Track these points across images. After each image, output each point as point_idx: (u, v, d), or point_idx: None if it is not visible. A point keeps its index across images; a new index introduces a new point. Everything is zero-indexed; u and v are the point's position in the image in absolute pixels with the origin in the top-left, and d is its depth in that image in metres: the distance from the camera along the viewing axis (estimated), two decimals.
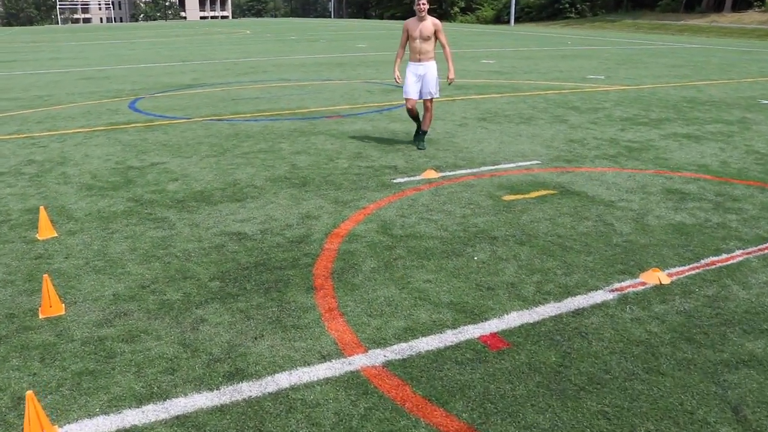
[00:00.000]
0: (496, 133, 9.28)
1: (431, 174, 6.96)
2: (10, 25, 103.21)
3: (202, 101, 12.65)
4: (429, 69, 7.75)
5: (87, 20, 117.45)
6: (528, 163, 7.56)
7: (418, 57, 7.71)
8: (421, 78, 7.81)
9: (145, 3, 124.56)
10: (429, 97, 7.92)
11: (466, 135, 9.12)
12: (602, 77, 16.34)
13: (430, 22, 7.61)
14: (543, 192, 6.40)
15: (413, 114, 8.14)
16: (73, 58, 24.68)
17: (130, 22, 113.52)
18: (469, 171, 7.19)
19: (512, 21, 58.09)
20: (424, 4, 7.53)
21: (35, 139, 9.30)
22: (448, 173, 7.08)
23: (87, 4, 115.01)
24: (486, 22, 64.85)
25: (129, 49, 29.17)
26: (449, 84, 8.04)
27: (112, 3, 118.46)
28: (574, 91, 13.64)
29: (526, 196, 6.29)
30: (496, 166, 7.38)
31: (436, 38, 7.67)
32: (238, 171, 7.28)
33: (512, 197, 6.23)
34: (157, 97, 13.37)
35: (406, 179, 6.85)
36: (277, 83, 15.59)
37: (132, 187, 6.73)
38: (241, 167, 7.45)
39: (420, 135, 8.30)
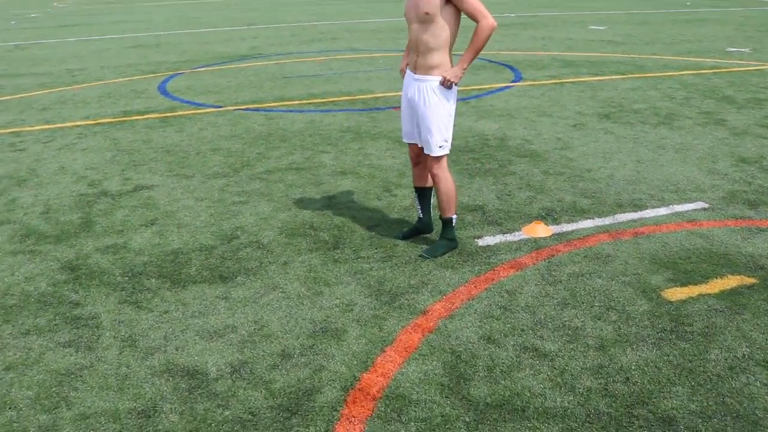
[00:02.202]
0: (627, 142, 6.51)
1: (539, 230, 4.38)
2: None
3: (247, 79, 10.36)
4: (423, 95, 3.82)
5: None
6: (689, 207, 4.84)
7: (414, 60, 3.87)
8: (413, 108, 3.94)
9: None
10: (427, 152, 3.97)
11: (586, 145, 6.41)
12: (747, 50, 12.98)
13: None
14: (731, 280, 3.74)
15: (416, 170, 4.25)
16: (137, 21, 22.99)
17: None
18: (598, 222, 4.56)
19: None
20: None
21: (20, 136, 7.27)
22: (565, 227, 4.48)
23: None
24: None
25: (198, 11, 27.30)
26: (444, 85, 3.77)
27: None
28: (718, 72, 10.51)
29: (704, 289, 3.65)
30: (639, 213, 4.71)
31: (454, 15, 3.69)
32: (246, 209, 4.92)
33: (680, 292, 3.61)
34: (198, 73, 11.19)
35: (498, 239, 4.30)
36: (343, 54, 13.12)
37: (84, 238, 4.50)
38: (252, 201, 5.08)
39: (423, 221, 4.33)
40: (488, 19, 3.58)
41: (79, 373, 2.99)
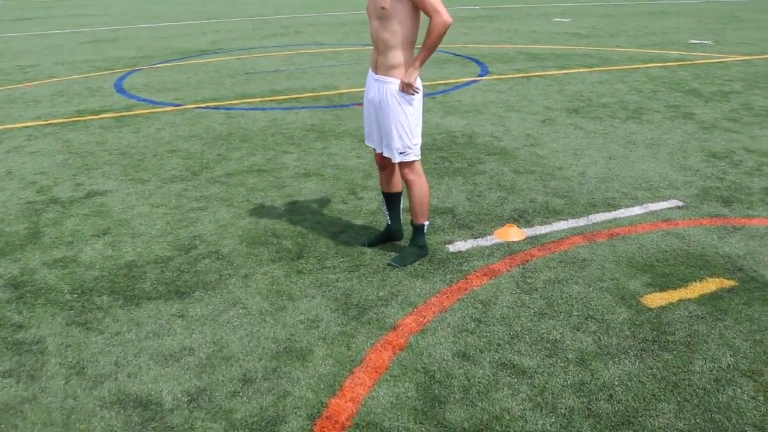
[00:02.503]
0: (597, 138, 6.40)
1: (512, 233, 4.22)
2: None
3: (207, 76, 10.04)
4: (383, 97, 3.60)
5: None
6: (663, 205, 4.73)
7: (374, 59, 3.65)
8: (375, 109, 3.71)
9: None
10: (393, 160, 3.73)
11: (556, 142, 6.28)
12: (709, 42, 13.05)
13: None
14: (710, 283, 3.62)
15: (383, 175, 3.98)
16: (94, 15, 22.34)
17: None
18: (572, 224, 4.41)
19: None
20: None
21: None
22: (539, 229, 4.33)
23: None
24: None
25: (157, 4, 26.65)
26: (402, 91, 3.55)
27: None
28: (683, 64, 10.51)
29: (684, 294, 3.52)
30: (614, 213, 4.58)
31: (412, 11, 3.45)
32: (204, 216, 4.67)
33: (660, 298, 3.47)
34: (157, 69, 10.82)
35: (470, 244, 4.13)
36: (307, 49, 12.85)
37: (31, 250, 4.21)
38: (211, 207, 4.83)
39: (392, 228, 4.10)
40: (442, 16, 3.34)
41: (19, 408, 2.74)
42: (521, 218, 4.50)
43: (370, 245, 4.11)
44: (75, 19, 20.83)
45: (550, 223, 4.42)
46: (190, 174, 5.56)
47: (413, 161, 3.72)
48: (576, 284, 3.62)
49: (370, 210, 4.70)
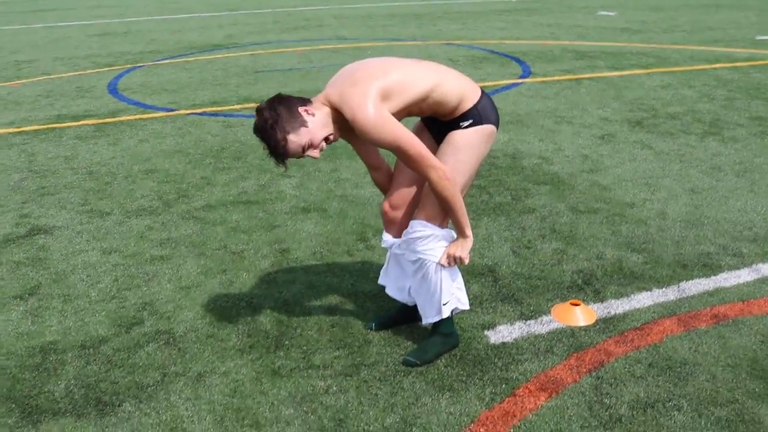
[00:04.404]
0: (672, 161, 5.14)
1: (579, 315, 3.01)
2: None
3: (212, 75, 8.96)
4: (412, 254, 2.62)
5: None
6: None
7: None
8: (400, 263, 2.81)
9: None
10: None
11: (621, 166, 5.04)
12: None
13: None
14: None
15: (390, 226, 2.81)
16: (113, 7, 21.50)
17: None
18: (659, 297, 3.19)
19: None
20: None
21: None
22: (613, 305, 3.12)
23: None
24: None
25: None
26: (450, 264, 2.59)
27: None
28: (756, 64, 9.12)
29: None
30: (714, 280, 3.35)
31: None
32: (165, 270, 3.55)
33: None
34: (159, 66, 9.78)
35: (519, 329, 2.94)
36: (328, 44, 11.71)
37: None
38: (176, 256, 3.71)
39: (408, 306, 2.92)
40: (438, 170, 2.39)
41: None
42: (588, 286, 3.30)
43: (379, 328, 2.95)
44: (92, 11, 20.01)
45: (628, 295, 3.21)
46: (161, 205, 4.45)
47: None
48: (678, 410, 2.42)
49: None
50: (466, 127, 2.48)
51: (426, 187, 2.53)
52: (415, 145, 2.32)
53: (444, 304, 2.64)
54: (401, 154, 2.34)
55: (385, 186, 2.78)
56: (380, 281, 2.94)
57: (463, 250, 2.52)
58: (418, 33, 13.01)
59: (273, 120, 2.31)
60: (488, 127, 2.52)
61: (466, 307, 2.72)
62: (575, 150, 5.43)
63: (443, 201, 2.43)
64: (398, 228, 2.72)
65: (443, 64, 2.65)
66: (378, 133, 2.27)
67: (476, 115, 2.48)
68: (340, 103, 2.33)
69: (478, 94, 2.51)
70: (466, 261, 2.52)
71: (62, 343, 2.93)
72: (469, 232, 2.52)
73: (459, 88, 2.47)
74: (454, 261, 2.54)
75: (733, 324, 2.97)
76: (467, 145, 2.48)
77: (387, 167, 2.79)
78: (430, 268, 2.57)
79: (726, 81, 8.02)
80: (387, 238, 2.75)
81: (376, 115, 2.27)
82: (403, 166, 2.62)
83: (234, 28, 14.46)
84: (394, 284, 2.85)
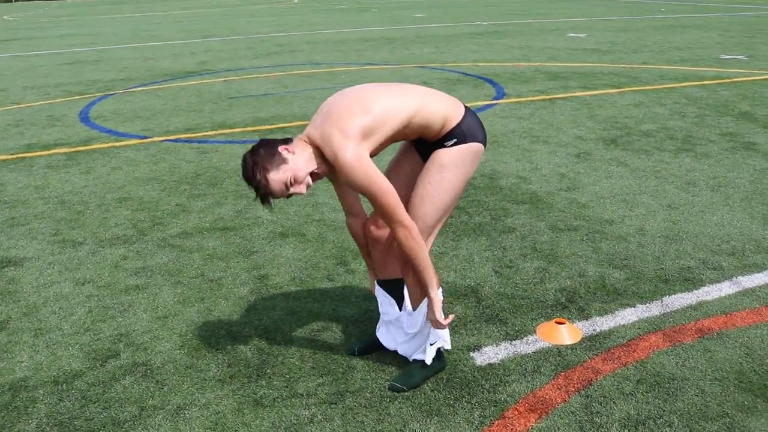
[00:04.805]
0: (648, 177, 5.18)
1: (564, 333, 2.98)
2: None
3: (185, 101, 8.88)
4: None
5: None
6: (759, 279, 3.50)
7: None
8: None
9: None
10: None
11: (598, 184, 5.06)
12: (743, 57, 11.85)
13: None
14: None
15: (376, 254, 2.74)
16: (84, 35, 21.34)
17: None
18: (643, 312, 3.18)
19: None
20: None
21: None
22: (598, 323, 3.10)
23: None
24: None
25: (154, 23, 25.67)
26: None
27: None
28: (722, 82, 9.30)
29: None
30: (696, 294, 3.34)
31: None
32: (141, 300, 3.45)
33: None
34: (131, 94, 9.68)
35: (505, 351, 2.90)
36: (301, 69, 11.71)
37: None
38: (152, 285, 3.62)
39: (375, 342, 2.90)
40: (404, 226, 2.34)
41: None
42: (572, 303, 3.27)
43: (362, 353, 2.89)
44: (63, 40, 19.83)
45: (612, 312, 3.19)
46: (136, 233, 4.36)
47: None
48: (670, 427, 2.39)
49: (364, 291, 3.49)
50: (452, 145, 2.45)
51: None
52: (390, 197, 2.26)
53: (431, 344, 2.62)
54: (374, 201, 2.28)
55: (358, 235, 2.72)
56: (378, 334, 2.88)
57: (438, 313, 2.45)
58: (391, 57, 13.08)
59: (253, 161, 2.28)
60: (474, 145, 2.48)
61: (449, 347, 2.70)
62: (552, 169, 5.44)
63: (409, 259, 2.38)
64: (385, 245, 2.66)
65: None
66: (355, 176, 2.22)
67: (460, 134, 2.45)
68: (321, 144, 2.29)
69: (462, 112, 2.48)
70: (446, 323, 2.46)
71: (33, 380, 2.83)
72: (433, 293, 2.43)
73: (441, 110, 2.44)
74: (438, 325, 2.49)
75: (718, 337, 2.96)
76: (452, 164, 2.44)
77: (364, 217, 2.72)
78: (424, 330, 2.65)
79: (695, 99, 8.15)
80: (389, 309, 2.75)
81: (355, 158, 2.22)
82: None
83: (207, 55, 14.41)
84: (387, 337, 2.83)
